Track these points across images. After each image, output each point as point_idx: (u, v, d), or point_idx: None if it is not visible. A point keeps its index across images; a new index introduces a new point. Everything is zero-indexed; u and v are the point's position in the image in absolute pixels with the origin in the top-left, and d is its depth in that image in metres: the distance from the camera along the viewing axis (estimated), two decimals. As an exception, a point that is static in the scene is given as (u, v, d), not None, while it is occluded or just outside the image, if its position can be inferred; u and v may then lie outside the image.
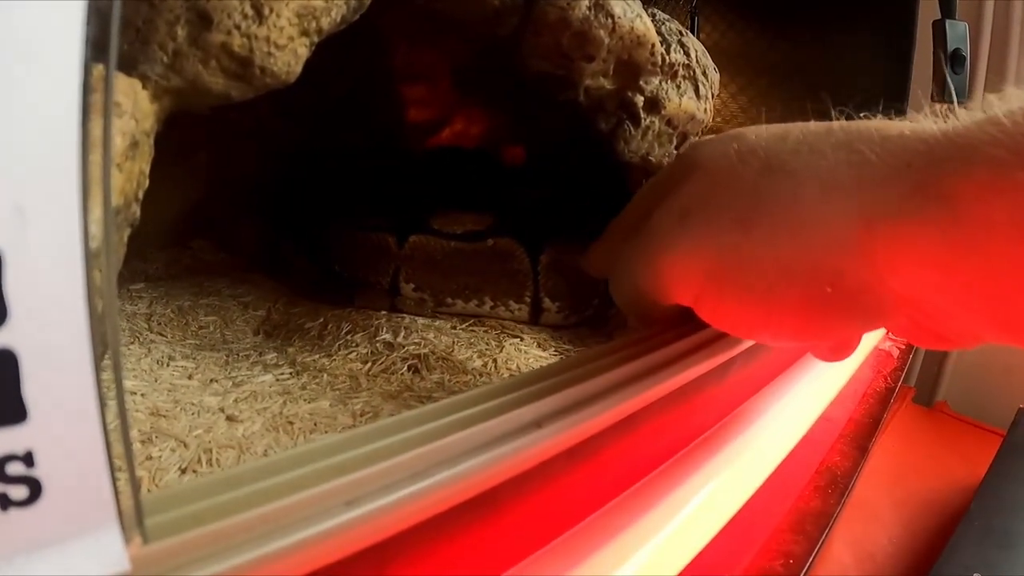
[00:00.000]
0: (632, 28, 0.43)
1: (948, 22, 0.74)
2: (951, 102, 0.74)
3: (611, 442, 0.38)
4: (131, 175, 0.31)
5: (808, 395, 0.56)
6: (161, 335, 0.52)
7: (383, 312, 0.56)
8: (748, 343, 0.50)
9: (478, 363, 0.51)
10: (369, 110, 0.72)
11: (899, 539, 0.60)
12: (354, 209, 0.60)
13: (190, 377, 0.46)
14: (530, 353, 0.54)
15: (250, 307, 0.59)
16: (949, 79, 0.74)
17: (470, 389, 0.47)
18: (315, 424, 0.41)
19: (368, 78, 0.71)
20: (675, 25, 0.50)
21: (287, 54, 0.32)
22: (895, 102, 0.82)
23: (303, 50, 0.33)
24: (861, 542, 0.59)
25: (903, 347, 0.77)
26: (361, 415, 0.43)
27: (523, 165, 0.72)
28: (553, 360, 0.54)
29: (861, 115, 0.33)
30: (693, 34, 0.90)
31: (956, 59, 0.74)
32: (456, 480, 0.27)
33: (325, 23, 0.33)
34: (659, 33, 0.47)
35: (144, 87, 0.31)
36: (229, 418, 0.41)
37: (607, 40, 0.42)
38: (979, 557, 0.54)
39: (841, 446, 0.58)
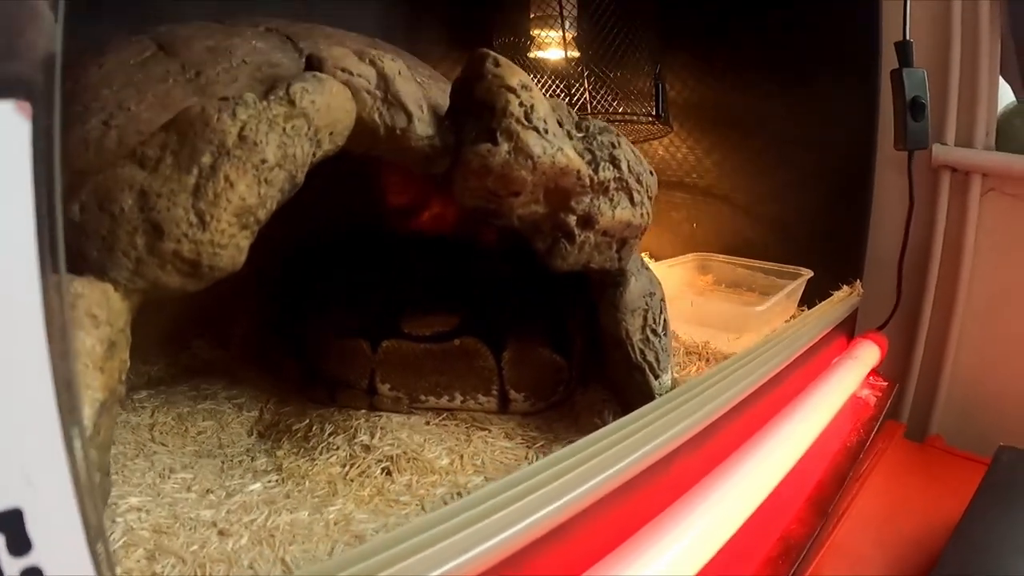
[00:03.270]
0: (554, 162, 0.48)
1: (905, 70, 0.78)
2: (912, 148, 0.79)
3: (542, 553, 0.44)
4: (112, 370, 0.38)
5: (767, 464, 0.61)
6: (163, 445, 0.59)
7: (362, 411, 0.63)
8: (694, 432, 0.56)
9: (445, 461, 0.57)
10: (350, 198, 0.79)
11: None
12: (332, 310, 0.67)
13: (189, 489, 0.53)
14: (496, 445, 0.60)
15: (244, 408, 0.66)
16: (909, 126, 0.78)
17: (436, 488, 0.54)
18: (294, 536, 0.48)
19: (347, 169, 0.78)
20: (608, 137, 0.55)
21: (230, 249, 0.39)
22: (862, 149, 0.87)
23: (245, 242, 0.40)
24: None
25: (880, 394, 0.82)
26: (335, 524, 0.50)
27: (494, 244, 0.78)
28: (519, 449, 0.60)
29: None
30: (658, 98, 0.95)
31: (916, 107, 0.78)
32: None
33: (262, 214, 0.40)
34: (589, 150, 0.53)
35: (115, 289, 0.38)
36: (221, 532, 0.48)
37: (530, 178, 0.48)
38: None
39: (803, 513, 0.62)
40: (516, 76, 0.49)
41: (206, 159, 0.38)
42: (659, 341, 0.62)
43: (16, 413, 0.24)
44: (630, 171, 0.55)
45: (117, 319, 0.38)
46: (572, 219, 0.53)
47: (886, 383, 0.87)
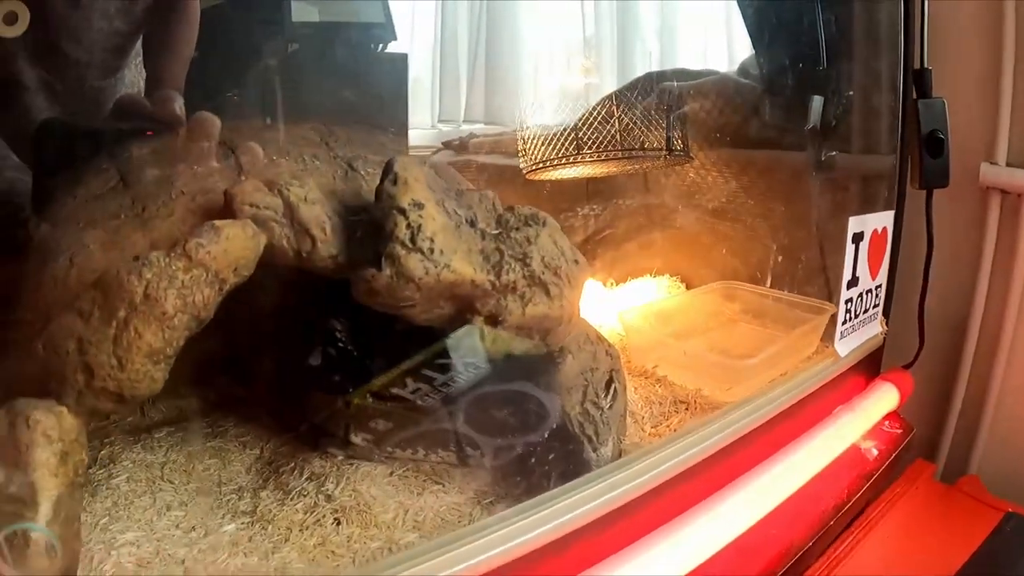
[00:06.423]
0: (439, 279, 0.59)
1: (922, 101, 0.79)
2: (930, 187, 0.81)
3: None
4: (66, 472, 0.54)
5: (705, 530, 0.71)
6: (170, 482, 0.77)
7: (340, 458, 0.79)
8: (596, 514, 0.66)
9: (390, 516, 0.71)
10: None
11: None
12: (321, 363, 0.82)
13: (177, 526, 0.71)
14: (446, 501, 0.74)
15: (248, 446, 0.84)
16: (926, 163, 0.79)
17: (371, 542, 0.68)
18: (237, 579, 0.65)
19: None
20: (526, 232, 0.65)
21: (146, 382, 0.55)
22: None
23: (160, 374, 0.55)
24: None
25: (888, 444, 0.85)
26: (274, 570, 0.66)
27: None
28: (466, 506, 0.73)
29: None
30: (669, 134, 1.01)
31: (933, 142, 0.79)
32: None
33: (171, 351, 0.55)
34: (499, 249, 0.64)
35: (68, 411, 0.55)
36: (185, 570, 0.65)
37: (416, 295, 0.60)
38: None
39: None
40: (409, 195, 0.60)
41: (121, 314, 0.53)
42: (600, 414, 0.72)
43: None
44: (545, 266, 0.65)
45: (68, 434, 0.54)
46: (478, 319, 0.64)
47: (900, 430, 0.90)
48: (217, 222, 0.57)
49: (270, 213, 0.59)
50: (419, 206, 0.60)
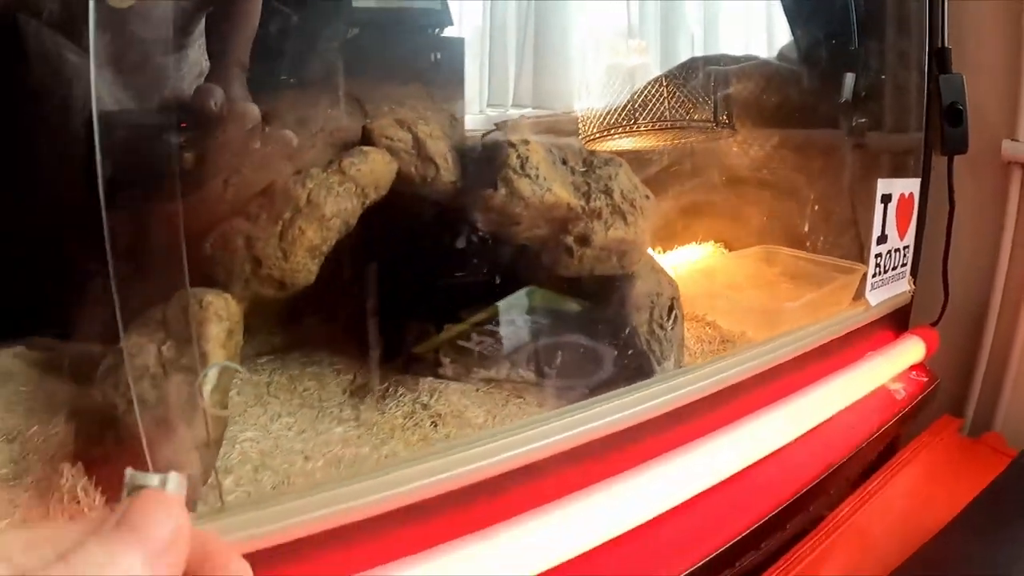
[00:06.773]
0: (542, 201, 0.72)
1: (942, 77, 0.92)
2: (950, 154, 0.94)
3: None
4: (231, 347, 0.67)
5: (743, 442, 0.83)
6: (276, 398, 0.89)
7: (429, 378, 0.91)
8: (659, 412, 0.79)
9: (480, 420, 0.84)
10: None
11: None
12: (411, 298, 0.95)
13: (290, 429, 0.83)
14: (527, 410, 0.86)
15: (342, 373, 0.96)
16: (946, 132, 0.92)
17: (469, 439, 0.80)
18: (354, 462, 0.77)
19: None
20: (607, 170, 0.78)
21: (304, 273, 0.67)
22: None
23: (315, 267, 0.68)
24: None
25: (917, 389, 0.98)
26: (384, 457, 0.78)
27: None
28: (540, 414, 0.85)
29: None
30: (715, 108, 1.14)
31: (952, 112, 0.92)
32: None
33: (326, 248, 0.68)
34: (587, 182, 0.77)
35: (233, 297, 0.67)
36: (306, 457, 0.76)
37: (524, 212, 0.72)
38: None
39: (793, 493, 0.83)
40: (517, 133, 0.73)
41: (287, 215, 0.66)
42: (664, 334, 0.85)
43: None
44: (623, 198, 0.78)
45: (233, 316, 0.67)
46: (570, 239, 0.76)
47: (926, 379, 1.03)
48: (364, 147, 0.70)
49: (402, 145, 0.72)
50: (526, 142, 0.73)
